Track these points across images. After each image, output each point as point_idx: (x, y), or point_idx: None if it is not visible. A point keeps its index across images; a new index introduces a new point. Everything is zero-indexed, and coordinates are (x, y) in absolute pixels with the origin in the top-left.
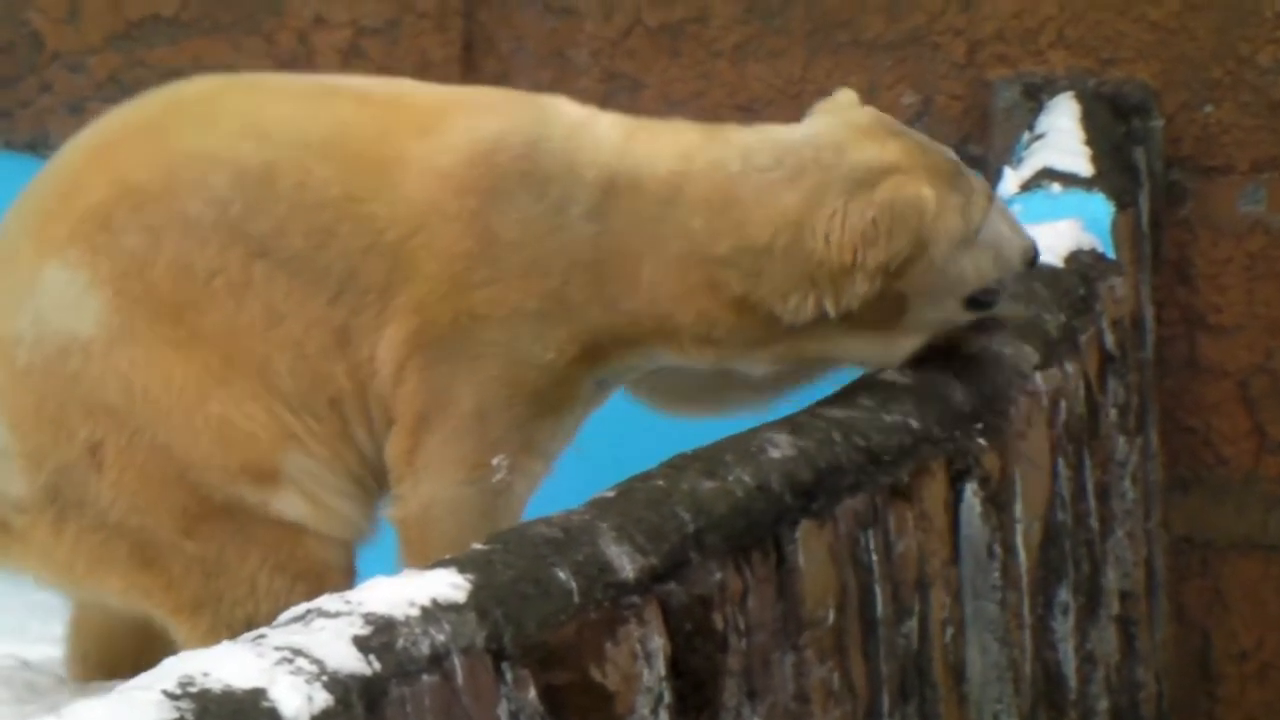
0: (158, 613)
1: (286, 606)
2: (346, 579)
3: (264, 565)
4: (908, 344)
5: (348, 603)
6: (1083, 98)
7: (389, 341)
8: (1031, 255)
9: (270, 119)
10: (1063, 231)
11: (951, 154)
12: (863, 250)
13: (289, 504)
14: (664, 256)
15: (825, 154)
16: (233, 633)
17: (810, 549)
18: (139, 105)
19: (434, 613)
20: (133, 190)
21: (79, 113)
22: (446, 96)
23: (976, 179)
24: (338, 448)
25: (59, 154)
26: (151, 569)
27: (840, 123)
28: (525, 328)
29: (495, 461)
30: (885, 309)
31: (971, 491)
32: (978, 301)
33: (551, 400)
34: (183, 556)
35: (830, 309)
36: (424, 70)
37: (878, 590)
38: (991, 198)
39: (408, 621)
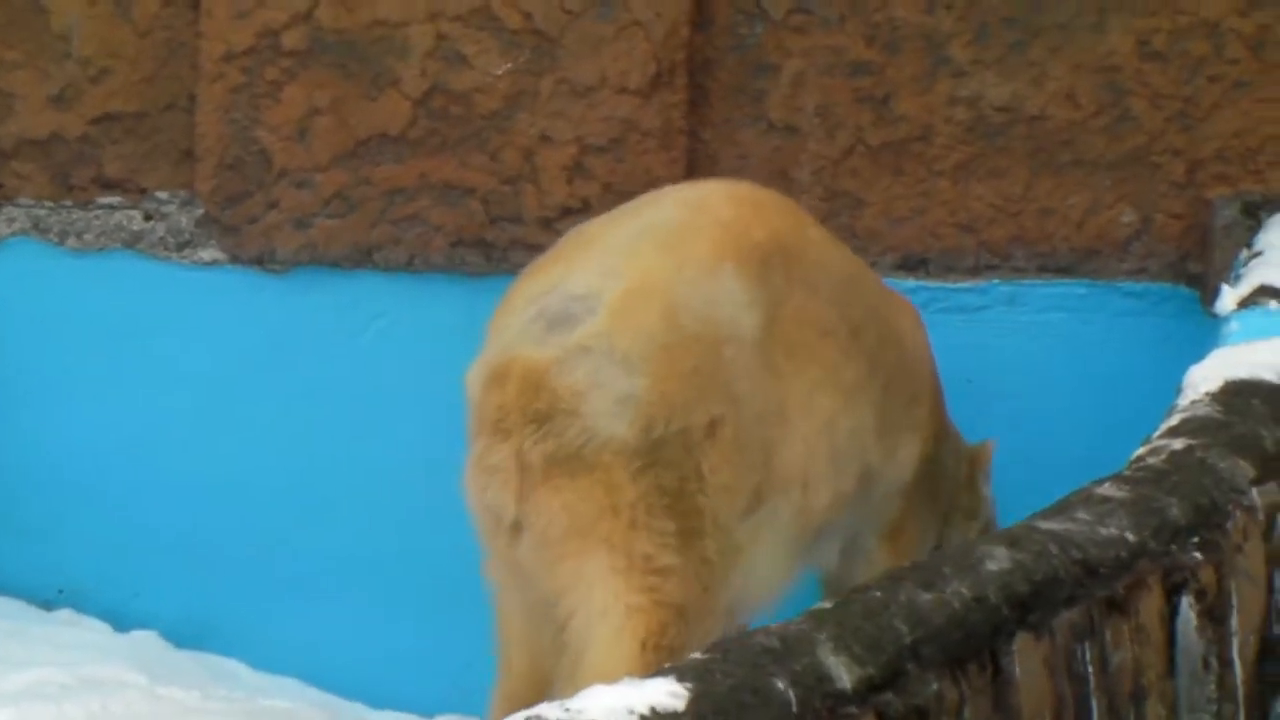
0: (635, 599)
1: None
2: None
3: (727, 608)
4: None
5: (567, 710)
6: None
7: (908, 445)
8: None
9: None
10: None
11: None
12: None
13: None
14: None
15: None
16: (657, 659)
17: (1026, 661)
18: (717, 188)
19: None
20: (782, 243)
21: (305, 228)
22: None
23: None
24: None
25: (679, 199)
26: (666, 552)
27: None
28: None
29: None
30: None
31: (1188, 605)
32: None
33: None
34: (699, 555)
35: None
36: (649, 187)
37: (1093, 702)
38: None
39: None
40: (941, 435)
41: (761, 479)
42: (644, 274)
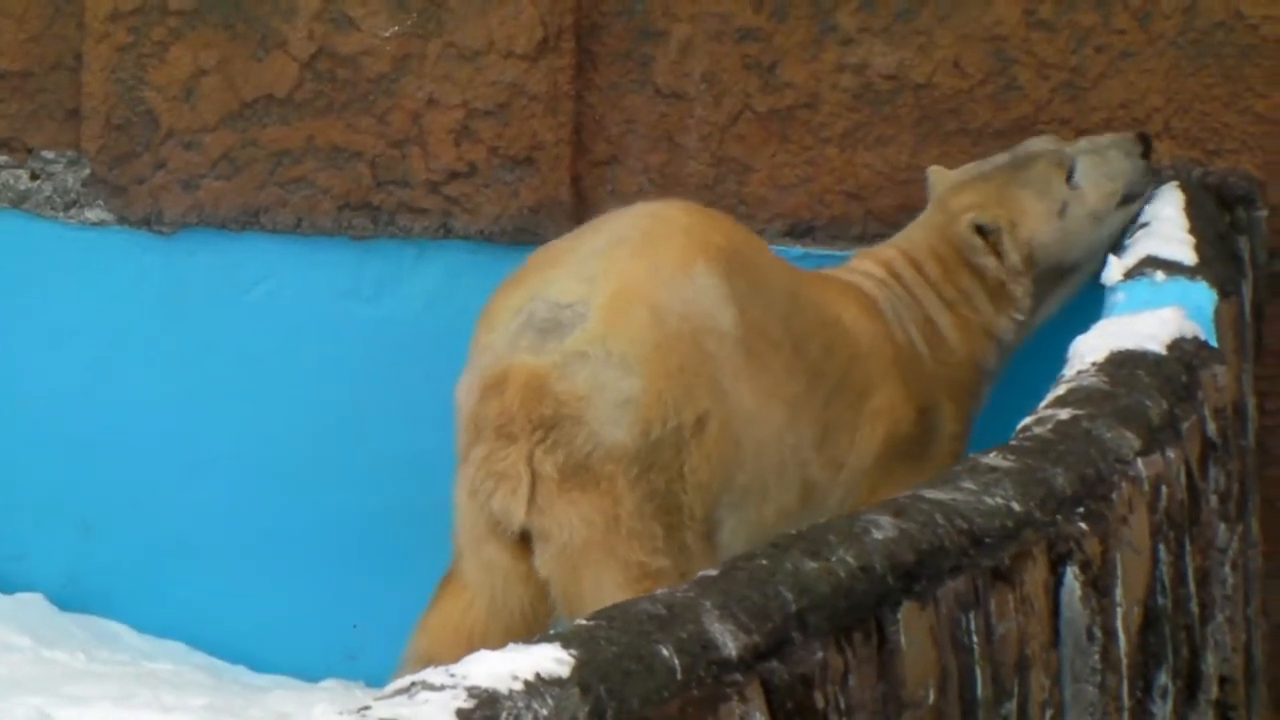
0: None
1: None
2: None
3: None
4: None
5: (452, 675)
6: (1188, 187)
7: (866, 439)
8: (1128, 141)
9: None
10: (1166, 319)
11: (1009, 156)
12: (991, 271)
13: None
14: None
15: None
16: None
17: (912, 630)
18: (671, 203)
19: (537, 687)
20: (738, 250)
21: (193, 190)
22: None
23: (1042, 151)
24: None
25: (638, 212)
26: (656, 556)
27: (939, 192)
28: (943, 411)
29: None
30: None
31: (1072, 575)
32: (1127, 199)
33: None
34: (678, 545)
35: (1018, 316)
36: (535, 151)
37: (978, 672)
38: (1061, 158)
39: (511, 696)
40: (931, 404)
41: (743, 474)
42: (624, 277)
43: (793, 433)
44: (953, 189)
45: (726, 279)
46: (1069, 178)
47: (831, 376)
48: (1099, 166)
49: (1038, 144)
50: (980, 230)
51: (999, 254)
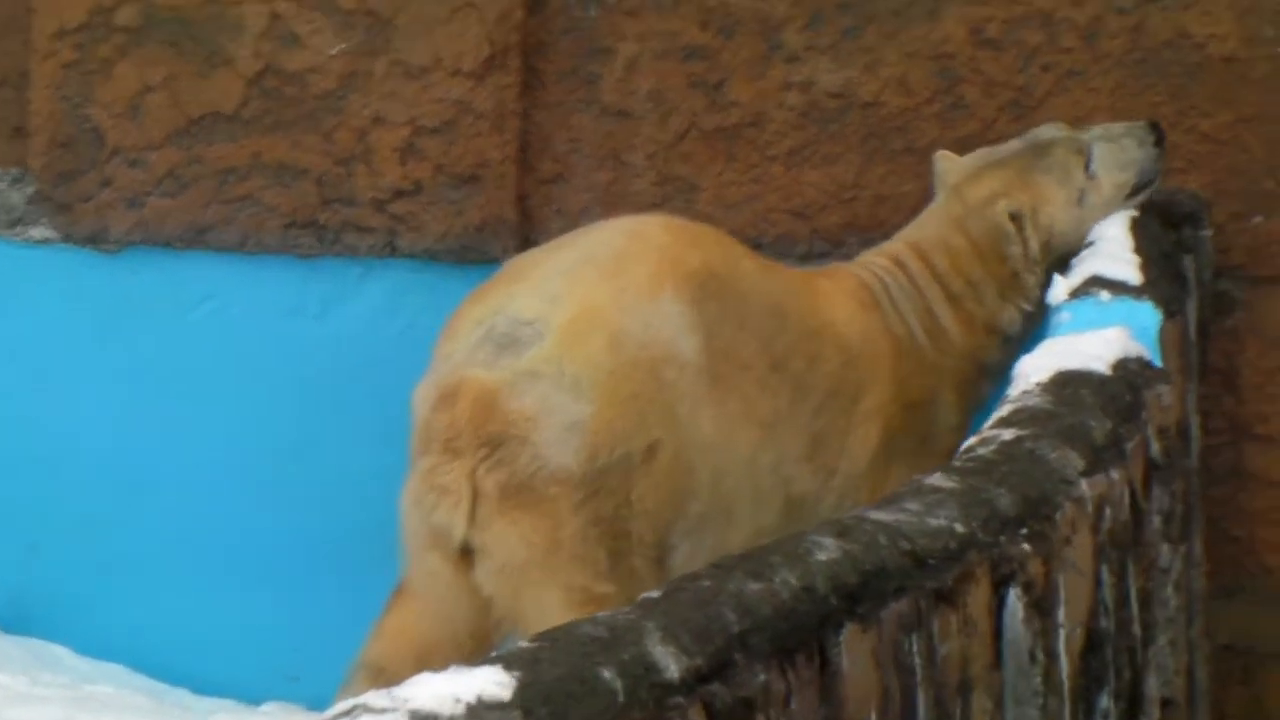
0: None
1: None
2: None
3: None
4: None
5: (393, 699)
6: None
7: (860, 441)
8: (1141, 129)
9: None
10: (1110, 339)
11: (1023, 142)
12: (1015, 260)
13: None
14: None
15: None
16: None
17: (854, 652)
18: (653, 219)
19: (479, 710)
20: (716, 273)
21: (138, 207)
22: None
23: (1058, 138)
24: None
25: (616, 227)
26: (600, 581)
27: (952, 180)
28: (944, 403)
29: None
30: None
31: (1015, 596)
32: (1137, 190)
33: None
34: (627, 570)
35: (1027, 307)
36: (481, 169)
37: (920, 694)
38: (1079, 145)
39: (453, 719)
40: (929, 396)
41: (698, 502)
42: (587, 299)
43: (770, 452)
44: (969, 178)
45: (695, 304)
46: (1087, 166)
47: (819, 388)
48: (1115, 155)
49: (1049, 130)
50: (1012, 218)
51: (1024, 241)
